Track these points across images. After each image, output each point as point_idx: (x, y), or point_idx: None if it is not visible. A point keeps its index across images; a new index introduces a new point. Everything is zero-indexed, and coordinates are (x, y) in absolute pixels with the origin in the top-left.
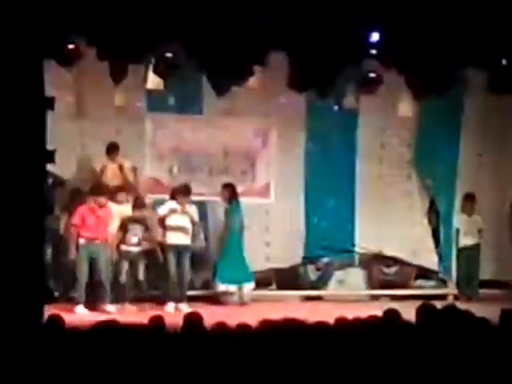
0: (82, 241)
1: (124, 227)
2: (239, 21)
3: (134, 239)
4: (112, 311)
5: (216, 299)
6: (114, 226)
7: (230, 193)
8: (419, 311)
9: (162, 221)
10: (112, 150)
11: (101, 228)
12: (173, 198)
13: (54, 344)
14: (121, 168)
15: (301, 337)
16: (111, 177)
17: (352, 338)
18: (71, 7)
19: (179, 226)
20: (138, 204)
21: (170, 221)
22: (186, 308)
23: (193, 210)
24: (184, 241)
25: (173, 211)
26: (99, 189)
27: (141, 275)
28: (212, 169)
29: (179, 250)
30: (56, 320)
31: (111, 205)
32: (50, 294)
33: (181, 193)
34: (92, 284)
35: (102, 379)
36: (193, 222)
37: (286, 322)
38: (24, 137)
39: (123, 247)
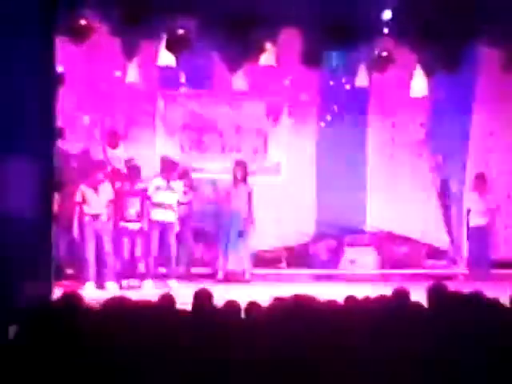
0: (86, 218)
1: (122, 202)
2: None
3: (133, 214)
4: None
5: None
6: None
7: (243, 170)
8: (430, 291)
9: (149, 198)
10: (113, 137)
11: (102, 204)
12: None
13: (70, 322)
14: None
15: (311, 315)
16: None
17: (361, 317)
18: None
19: (163, 203)
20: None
21: (156, 197)
22: (175, 285)
23: (179, 186)
24: (168, 217)
25: (158, 188)
26: (97, 165)
27: (138, 252)
28: (224, 146)
29: (164, 226)
30: (72, 298)
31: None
32: (59, 272)
33: (166, 169)
34: (97, 261)
35: (113, 356)
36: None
37: (297, 299)
38: (34, 112)
39: (122, 223)
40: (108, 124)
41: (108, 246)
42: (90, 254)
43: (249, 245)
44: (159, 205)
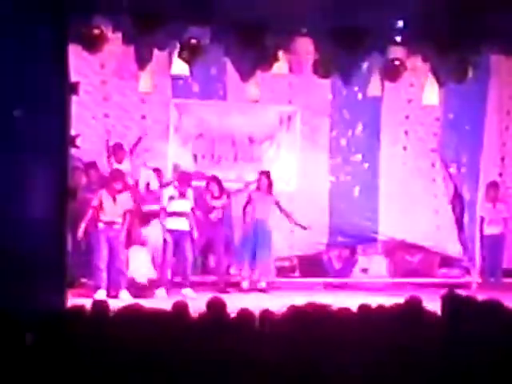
0: (100, 225)
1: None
2: (265, 5)
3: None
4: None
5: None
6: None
7: (268, 180)
8: (445, 299)
9: (163, 208)
10: (118, 150)
11: (118, 213)
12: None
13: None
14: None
15: (325, 323)
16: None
17: (375, 325)
18: None
19: (177, 212)
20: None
21: (169, 207)
22: (190, 294)
23: (191, 195)
24: (182, 226)
25: (171, 197)
26: (117, 174)
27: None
28: (236, 155)
29: (177, 235)
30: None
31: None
32: (72, 280)
33: (179, 177)
34: (109, 269)
35: (128, 363)
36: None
37: (311, 308)
38: (49, 121)
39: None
40: (120, 133)
41: (122, 255)
42: (102, 262)
43: (273, 254)
44: (173, 214)
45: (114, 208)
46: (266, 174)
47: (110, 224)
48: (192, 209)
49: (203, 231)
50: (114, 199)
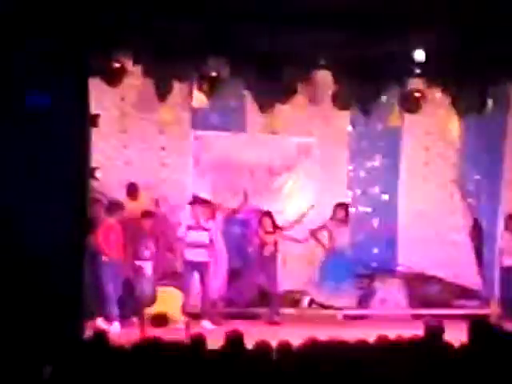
0: (105, 258)
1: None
2: (284, 38)
3: (147, 253)
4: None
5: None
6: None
7: (346, 211)
8: (473, 327)
9: (180, 239)
10: (132, 190)
11: (120, 245)
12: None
13: (99, 360)
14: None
15: (343, 356)
16: None
17: (393, 356)
18: (117, 25)
19: (194, 242)
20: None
21: (187, 237)
22: (209, 326)
23: (209, 224)
24: (201, 256)
25: (189, 227)
26: (118, 205)
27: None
28: (255, 187)
29: (197, 266)
30: (101, 337)
31: None
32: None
33: (196, 206)
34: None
35: None
36: (210, 238)
37: (329, 341)
38: (68, 153)
39: (137, 262)
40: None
41: (126, 287)
42: (111, 294)
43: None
44: (191, 244)
45: (118, 242)
46: (343, 205)
47: (114, 257)
48: (211, 240)
49: (256, 266)
50: (118, 233)
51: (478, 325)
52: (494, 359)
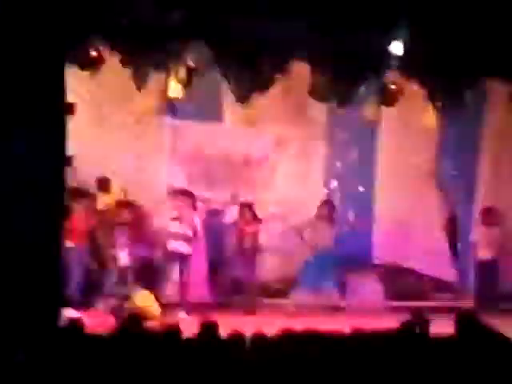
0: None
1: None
2: (263, 30)
3: (122, 242)
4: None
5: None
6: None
7: (331, 209)
8: (460, 320)
9: (160, 229)
10: (102, 184)
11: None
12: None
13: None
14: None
15: (316, 346)
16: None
17: (367, 348)
18: (94, 13)
19: (176, 233)
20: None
21: (170, 227)
22: (185, 316)
23: (191, 215)
24: (182, 248)
25: (171, 218)
26: (82, 193)
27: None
28: (232, 177)
29: (178, 257)
30: (76, 323)
31: None
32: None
33: (178, 197)
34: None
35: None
36: (193, 228)
37: (303, 331)
38: (44, 141)
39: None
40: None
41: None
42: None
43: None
44: (173, 235)
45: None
46: (329, 202)
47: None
48: (195, 233)
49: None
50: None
51: (465, 317)
52: (482, 352)
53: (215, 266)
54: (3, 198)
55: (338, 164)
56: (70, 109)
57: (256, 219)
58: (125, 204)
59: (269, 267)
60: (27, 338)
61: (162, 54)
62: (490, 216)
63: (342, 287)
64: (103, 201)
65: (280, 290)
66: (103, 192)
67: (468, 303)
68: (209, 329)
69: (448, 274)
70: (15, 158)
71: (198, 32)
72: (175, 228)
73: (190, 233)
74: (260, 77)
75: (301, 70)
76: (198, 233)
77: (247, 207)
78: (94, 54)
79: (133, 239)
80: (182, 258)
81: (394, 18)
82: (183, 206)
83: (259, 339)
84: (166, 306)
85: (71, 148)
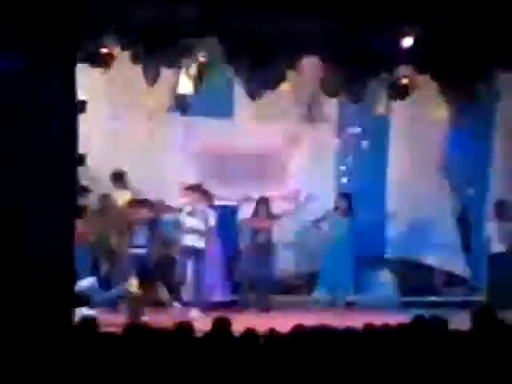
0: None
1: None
2: (275, 26)
3: (142, 241)
4: None
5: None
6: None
7: (348, 202)
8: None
9: (178, 224)
10: (118, 177)
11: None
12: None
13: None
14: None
15: (330, 343)
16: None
17: (380, 344)
18: (106, 10)
19: (190, 228)
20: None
21: (185, 222)
22: (199, 313)
23: (206, 211)
24: (196, 243)
25: (188, 213)
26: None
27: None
28: (244, 173)
29: (192, 252)
30: (89, 322)
31: None
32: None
33: (194, 192)
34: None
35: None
36: (206, 224)
37: (315, 328)
38: (56, 140)
39: (131, 250)
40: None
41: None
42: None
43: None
44: (188, 230)
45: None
46: (347, 196)
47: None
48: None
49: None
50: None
51: (483, 312)
52: (499, 347)
53: (229, 263)
54: (16, 197)
55: (350, 159)
56: (81, 106)
57: (270, 215)
58: (142, 202)
59: (284, 263)
60: (41, 337)
61: (173, 50)
62: (503, 210)
63: (356, 282)
64: (119, 196)
65: (296, 285)
66: (119, 186)
67: (481, 298)
68: (222, 326)
69: (461, 268)
70: (27, 157)
71: (211, 28)
72: (190, 223)
73: (204, 228)
74: (272, 73)
75: (312, 66)
76: (212, 228)
77: (262, 203)
78: (105, 50)
79: (151, 237)
80: (197, 254)
81: (405, 12)
82: (198, 200)
83: (272, 337)
84: (180, 303)
85: (83, 146)
